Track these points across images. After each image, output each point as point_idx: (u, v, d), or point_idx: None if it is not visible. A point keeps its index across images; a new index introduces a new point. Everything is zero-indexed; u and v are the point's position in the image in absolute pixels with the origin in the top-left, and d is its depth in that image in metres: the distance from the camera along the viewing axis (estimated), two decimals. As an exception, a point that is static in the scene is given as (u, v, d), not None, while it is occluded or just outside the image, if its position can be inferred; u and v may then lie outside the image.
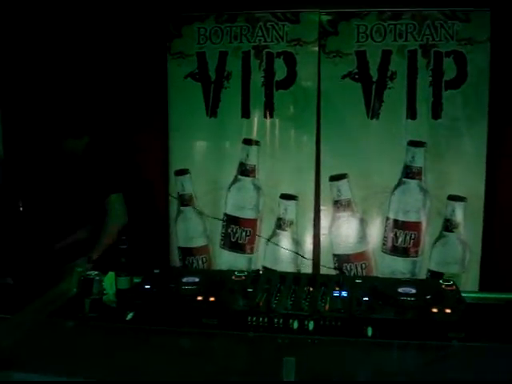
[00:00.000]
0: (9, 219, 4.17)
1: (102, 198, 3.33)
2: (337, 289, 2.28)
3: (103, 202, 3.33)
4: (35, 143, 3.64)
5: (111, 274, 2.50)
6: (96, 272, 2.40)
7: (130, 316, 2.15)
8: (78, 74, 3.97)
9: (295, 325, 2.06)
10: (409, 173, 3.79)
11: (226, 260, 4.08)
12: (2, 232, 4.22)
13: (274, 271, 2.61)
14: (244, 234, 4.04)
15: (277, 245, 3.98)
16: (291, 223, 3.96)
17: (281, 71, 3.87)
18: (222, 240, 4.10)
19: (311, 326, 2.04)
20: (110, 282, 2.49)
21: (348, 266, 3.93)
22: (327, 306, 2.14)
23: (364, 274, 3.87)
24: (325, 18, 3.81)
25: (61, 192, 3.67)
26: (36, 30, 3.95)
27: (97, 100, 3.92)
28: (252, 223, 4.04)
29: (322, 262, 3.94)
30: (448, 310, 2.10)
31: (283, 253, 3.96)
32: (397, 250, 3.88)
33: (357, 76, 3.78)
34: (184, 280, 2.37)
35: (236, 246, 4.07)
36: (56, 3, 3.89)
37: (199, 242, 4.15)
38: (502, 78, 3.66)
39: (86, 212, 3.55)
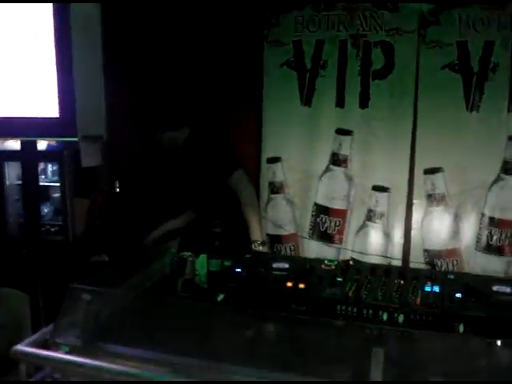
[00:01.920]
0: (105, 199, 4.35)
1: (223, 179, 3.39)
2: (428, 283, 2.24)
3: (225, 183, 3.38)
4: (137, 130, 3.76)
5: (203, 256, 2.56)
6: (189, 253, 2.47)
7: (220, 297, 2.20)
8: (177, 62, 4.07)
9: (385, 317, 2.04)
10: (508, 169, 3.65)
11: (314, 249, 4.07)
12: (99, 211, 4.41)
13: (364, 262, 2.59)
14: (333, 224, 4.02)
15: (366, 236, 3.94)
16: (382, 215, 3.90)
17: (378, 61, 3.80)
18: (310, 229, 4.10)
19: (401, 319, 2.03)
20: (201, 264, 2.54)
21: (438, 262, 3.83)
22: (418, 300, 2.11)
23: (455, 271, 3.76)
24: (426, 7, 3.69)
25: (160, 179, 3.79)
26: (140, 21, 4.08)
27: (194, 89, 4.00)
28: (342, 214, 4.01)
29: (411, 257, 3.86)
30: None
31: (372, 245, 3.92)
32: (491, 249, 3.75)
33: (457, 67, 3.66)
34: (274, 266, 2.39)
35: (324, 236, 4.06)
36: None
37: (288, 230, 4.17)
38: None
39: (185, 199, 3.64)
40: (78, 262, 3.94)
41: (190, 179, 3.51)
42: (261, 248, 3.27)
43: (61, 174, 4.28)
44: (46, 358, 1.91)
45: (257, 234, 3.35)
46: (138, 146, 4.05)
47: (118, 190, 4.28)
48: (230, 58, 4.07)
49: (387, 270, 2.40)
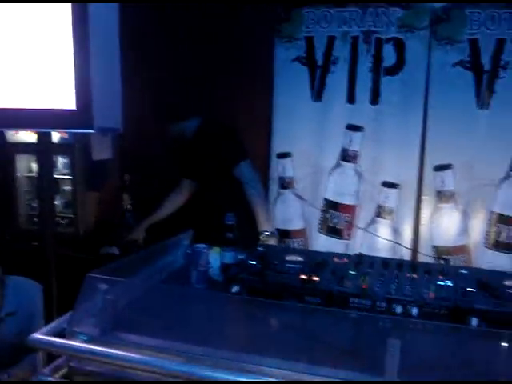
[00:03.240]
0: (116, 192, 4.37)
1: (230, 169, 3.42)
2: (441, 277, 2.26)
3: (231, 173, 3.43)
4: (151, 121, 3.79)
5: (217, 249, 2.58)
6: (203, 245, 2.48)
7: (235, 289, 2.21)
8: (189, 54, 4.09)
9: (398, 309, 2.05)
10: (517, 166, 3.67)
11: (323, 244, 4.09)
12: (109, 204, 4.43)
13: (377, 256, 2.62)
14: (342, 219, 4.04)
15: (375, 232, 3.96)
16: (391, 211, 3.93)
17: (389, 57, 3.82)
18: (319, 224, 4.12)
19: (414, 312, 2.04)
20: (215, 256, 2.56)
21: (446, 257, 3.84)
22: (431, 294, 2.12)
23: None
24: (437, 4, 3.72)
25: (170, 170, 3.82)
26: (153, 15, 4.11)
27: (206, 81, 4.03)
28: (351, 209, 4.04)
29: (420, 253, 3.88)
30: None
31: (381, 240, 3.92)
32: (499, 246, 3.78)
33: (468, 64, 3.68)
34: (287, 258, 2.41)
35: (333, 231, 4.09)
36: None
37: (297, 225, 4.20)
38: None
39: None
40: (88, 254, 3.96)
41: (200, 169, 3.55)
42: (269, 239, 3.29)
43: (72, 167, 4.30)
44: (64, 347, 1.93)
45: (265, 225, 3.38)
46: (148, 139, 4.08)
47: (127, 183, 4.30)
48: (242, 52, 4.08)
49: (399, 263, 2.41)
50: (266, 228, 3.34)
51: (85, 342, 1.94)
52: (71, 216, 4.35)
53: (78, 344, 1.91)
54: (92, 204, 4.38)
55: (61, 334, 2.02)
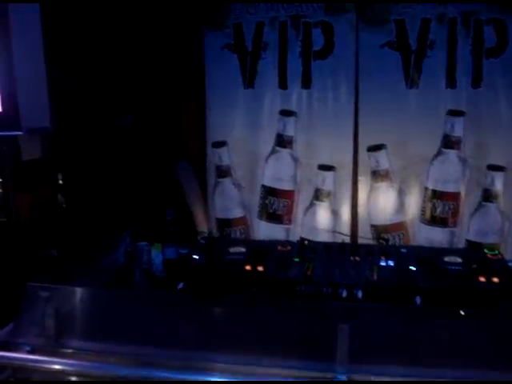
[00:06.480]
0: (48, 192, 4.25)
1: (169, 166, 3.37)
2: (383, 258, 2.30)
3: (170, 171, 3.37)
4: (83, 118, 3.68)
5: (158, 245, 2.54)
6: (145, 243, 2.44)
7: (180, 286, 2.19)
8: (117, 50, 3.98)
9: (344, 293, 2.08)
10: (448, 142, 3.76)
11: (264, 231, 4.10)
12: (43, 205, 4.30)
13: (318, 242, 2.64)
14: (281, 205, 4.06)
15: (314, 215, 3.99)
16: (329, 194, 3.97)
17: (318, 41, 3.83)
18: (259, 211, 4.13)
19: (360, 294, 2.07)
20: (157, 253, 2.52)
21: (385, 237, 3.92)
22: (375, 275, 2.16)
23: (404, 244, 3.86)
24: (363, -13, 3.75)
25: (105, 168, 3.73)
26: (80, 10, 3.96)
27: (137, 76, 3.93)
28: (289, 194, 4.05)
29: (359, 233, 3.94)
30: (495, 279, 2.11)
31: (321, 224, 3.97)
32: (435, 221, 3.87)
33: (395, 45, 3.73)
34: (231, 250, 2.39)
35: (273, 217, 4.10)
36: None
37: (237, 213, 4.19)
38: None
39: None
40: (25, 258, 3.84)
41: (137, 167, 3.49)
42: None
43: (1, 169, 4.14)
44: (9, 359, 1.86)
45: (202, 226, 3.35)
46: (80, 136, 3.96)
47: (60, 182, 4.18)
48: (171, 42, 4.00)
49: (342, 247, 2.44)
50: (203, 229, 3.33)
51: (29, 352, 1.88)
52: (3, 220, 4.20)
53: (22, 355, 1.85)
54: (25, 206, 4.24)
55: (3, 346, 1.95)
